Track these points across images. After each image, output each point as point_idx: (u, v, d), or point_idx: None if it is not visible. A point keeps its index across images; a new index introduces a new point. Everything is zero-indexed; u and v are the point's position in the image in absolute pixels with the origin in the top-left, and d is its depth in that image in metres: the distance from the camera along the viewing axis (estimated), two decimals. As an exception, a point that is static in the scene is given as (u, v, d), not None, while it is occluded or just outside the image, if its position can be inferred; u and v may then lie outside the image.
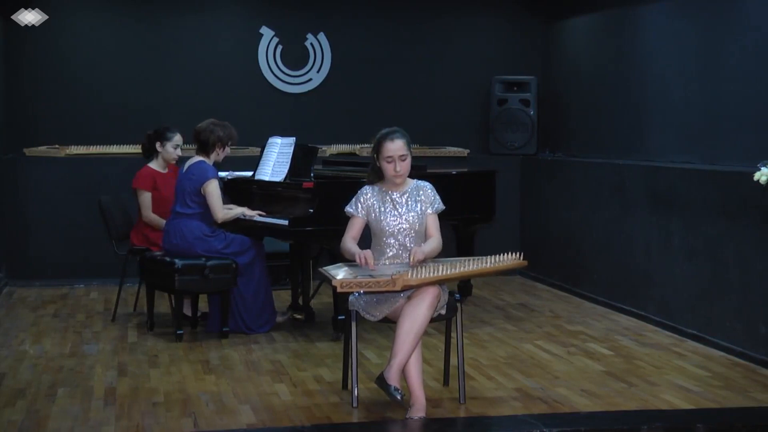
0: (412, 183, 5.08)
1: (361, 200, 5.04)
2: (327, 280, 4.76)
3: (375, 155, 4.98)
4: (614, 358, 6.08)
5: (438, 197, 5.08)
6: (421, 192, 5.05)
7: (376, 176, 5.04)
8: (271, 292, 6.86)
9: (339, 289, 4.60)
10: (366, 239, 5.06)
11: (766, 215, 5.85)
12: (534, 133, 9.45)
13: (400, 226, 4.97)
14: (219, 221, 6.64)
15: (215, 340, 6.53)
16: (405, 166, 4.96)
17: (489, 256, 4.96)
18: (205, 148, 6.68)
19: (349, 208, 5.07)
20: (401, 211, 4.98)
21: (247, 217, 6.69)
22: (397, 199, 5.01)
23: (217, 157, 6.72)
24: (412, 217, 4.98)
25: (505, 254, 4.95)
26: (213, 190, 6.57)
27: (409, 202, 5.00)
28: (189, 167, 6.65)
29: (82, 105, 9.03)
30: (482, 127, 9.67)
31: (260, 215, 6.69)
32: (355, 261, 4.87)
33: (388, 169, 4.94)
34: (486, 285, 8.61)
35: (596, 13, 8.85)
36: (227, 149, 6.75)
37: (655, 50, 7.77)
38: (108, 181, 8.50)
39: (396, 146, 4.91)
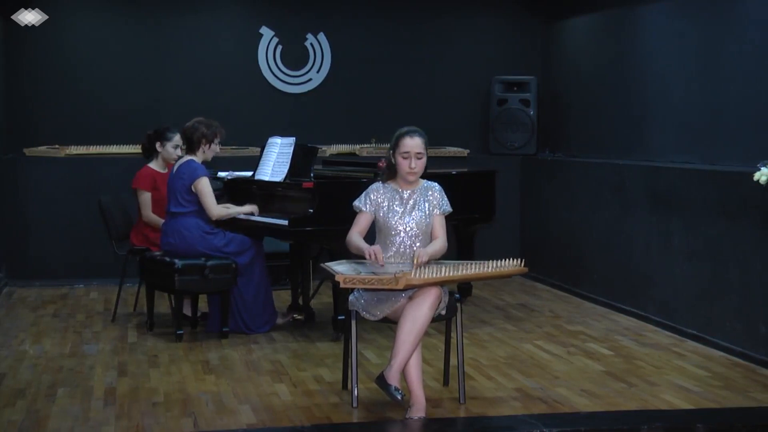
0: (422, 183, 5.09)
1: (371, 196, 5.04)
2: (329, 275, 4.76)
3: (391, 151, 4.99)
4: (614, 358, 6.08)
5: (446, 199, 5.09)
6: (429, 192, 5.06)
7: (390, 173, 5.05)
8: (271, 292, 6.86)
9: (342, 285, 4.60)
10: (371, 236, 5.06)
11: (766, 215, 5.85)
12: (534, 133, 9.45)
13: (407, 224, 4.97)
14: (214, 218, 6.64)
15: (215, 340, 6.53)
16: (420, 165, 4.97)
17: (491, 261, 4.95)
18: (191, 146, 6.67)
19: (357, 203, 5.07)
20: (409, 210, 4.99)
21: (244, 217, 6.70)
22: (406, 197, 5.02)
23: (204, 155, 6.70)
24: (420, 216, 4.98)
25: (507, 260, 4.95)
26: (204, 188, 6.57)
27: (418, 202, 5.01)
28: (179, 167, 6.65)
29: (82, 105, 9.03)
30: (482, 127, 9.67)
31: (255, 210, 6.71)
32: (362, 256, 4.87)
33: (402, 164, 4.95)
34: (486, 285, 8.61)
35: (596, 13, 8.85)
36: (215, 146, 6.72)
37: (655, 50, 7.77)
38: (108, 181, 8.50)
39: (414, 143, 4.93)
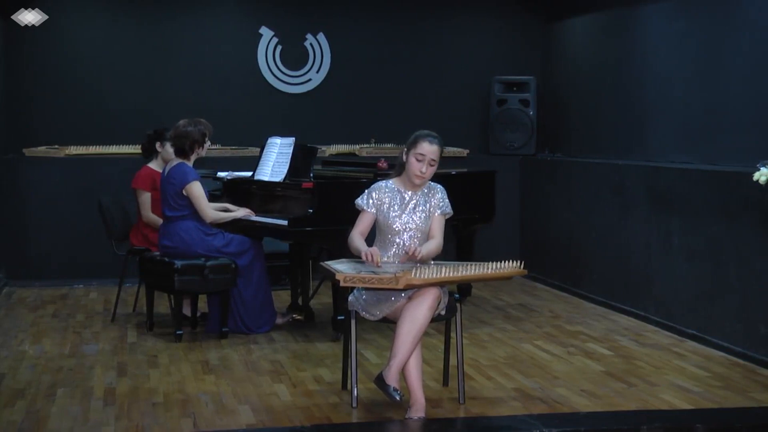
0: (426, 184, 5.09)
1: (374, 195, 5.03)
2: (329, 274, 4.75)
3: (406, 149, 4.98)
4: (614, 358, 6.08)
5: (447, 201, 5.08)
6: (431, 193, 5.06)
7: (397, 171, 5.05)
8: (270, 292, 6.86)
9: (342, 284, 4.59)
10: (371, 236, 5.05)
11: (766, 215, 5.85)
12: (533, 133, 9.45)
13: (407, 225, 4.97)
14: (209, 221, 6.62)
15: (215, 340, 6.53)
16: (431, 171, 4.97)
17: (491, 263, 4.95)
18: (184, 153, 6.61)
19: (359, 201, 5.05)
20: (410, 211, 4.98)
21: (243, 216, 6.69)
22: (408, 198, 5.01)
23: (198, 156, 6.69)
24: (420, 217, 4.98)
25: (507, 262, 4.95)
26: (196, 191, 6.54)
27: (420, 203, 5.01)
28: (169, 171, 6.61)
29: (82, 105, 9.03)
30: (482, 127, 9.67)
31: (250, 214, 6.69)
32: (360, 257, 4.86)
33: (414, 166, 4.94)
34: (485, 285, 8.60)
35: (596, 13, 8.85)
36: (206, 145, 6.70)
37: (655, 50, 7.77)
38: (108, 181, 8.50)
39: (432, 149, 4.94)
